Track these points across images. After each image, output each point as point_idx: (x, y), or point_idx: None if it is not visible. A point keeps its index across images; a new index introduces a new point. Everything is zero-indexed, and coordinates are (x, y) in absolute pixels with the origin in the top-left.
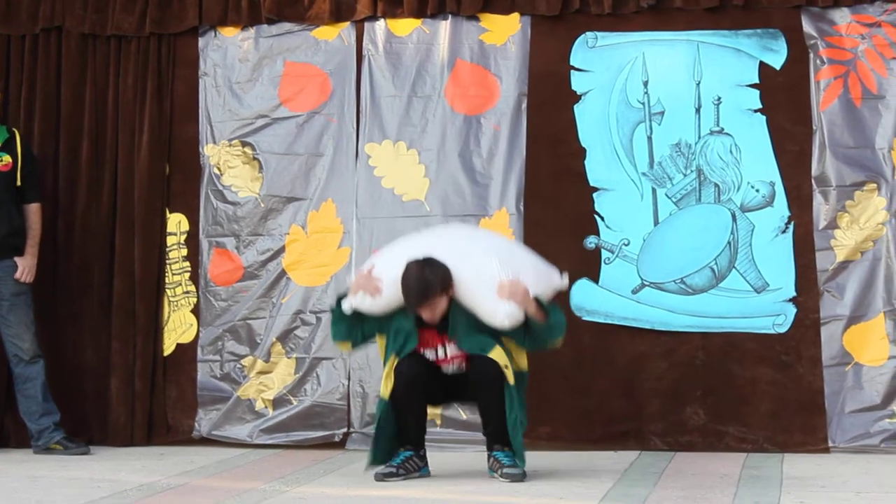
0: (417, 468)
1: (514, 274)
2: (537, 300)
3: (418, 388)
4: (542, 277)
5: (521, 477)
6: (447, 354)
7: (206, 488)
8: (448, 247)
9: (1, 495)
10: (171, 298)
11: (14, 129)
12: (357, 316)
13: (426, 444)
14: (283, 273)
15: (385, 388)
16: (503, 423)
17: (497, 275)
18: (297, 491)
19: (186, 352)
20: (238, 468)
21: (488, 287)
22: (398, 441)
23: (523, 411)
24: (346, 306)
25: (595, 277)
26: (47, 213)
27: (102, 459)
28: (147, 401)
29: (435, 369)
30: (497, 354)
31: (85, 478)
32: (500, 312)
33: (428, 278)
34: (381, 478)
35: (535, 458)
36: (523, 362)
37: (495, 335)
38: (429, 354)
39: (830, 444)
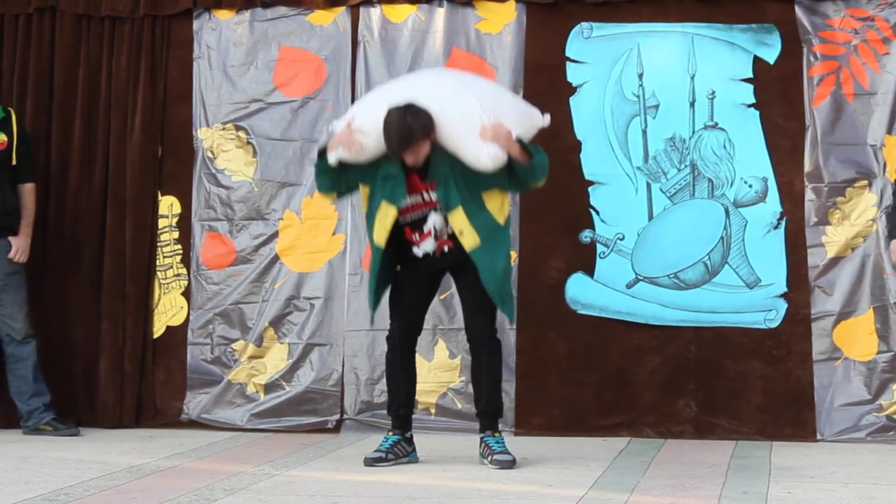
0: (406, 453)
1: (496, 116)
2: (520, 142)
3: (409, 351)
4: (524, 118)
5: (511, 464)
6: (432, 198)
7: (195, 471)
8: (428, 91)
9: None
10: (162, 281)
11: (10, 109)
12: (341, 167)
13: (414, 429)
14: (276, 258)
15: (379, 235)
16: (496, 397)
17: (479, 117)
18: (287, 475)
19: (176, 334)
20: (227, 451)
21: (471, 130)
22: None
23: (508, 260)
24: (332, 159)
25: (590, 271)
26: (38, 193)
27: (91, 441)
28: (136, 383)
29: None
30: (484, 205)
31: (74, 459)
32: (484, 155)
33: (409, 124)
34: (370, 462)
35: (524, 445)
36: (507, 210)
37: (477, 185)
38: (413, 200)
39: (819, 436)
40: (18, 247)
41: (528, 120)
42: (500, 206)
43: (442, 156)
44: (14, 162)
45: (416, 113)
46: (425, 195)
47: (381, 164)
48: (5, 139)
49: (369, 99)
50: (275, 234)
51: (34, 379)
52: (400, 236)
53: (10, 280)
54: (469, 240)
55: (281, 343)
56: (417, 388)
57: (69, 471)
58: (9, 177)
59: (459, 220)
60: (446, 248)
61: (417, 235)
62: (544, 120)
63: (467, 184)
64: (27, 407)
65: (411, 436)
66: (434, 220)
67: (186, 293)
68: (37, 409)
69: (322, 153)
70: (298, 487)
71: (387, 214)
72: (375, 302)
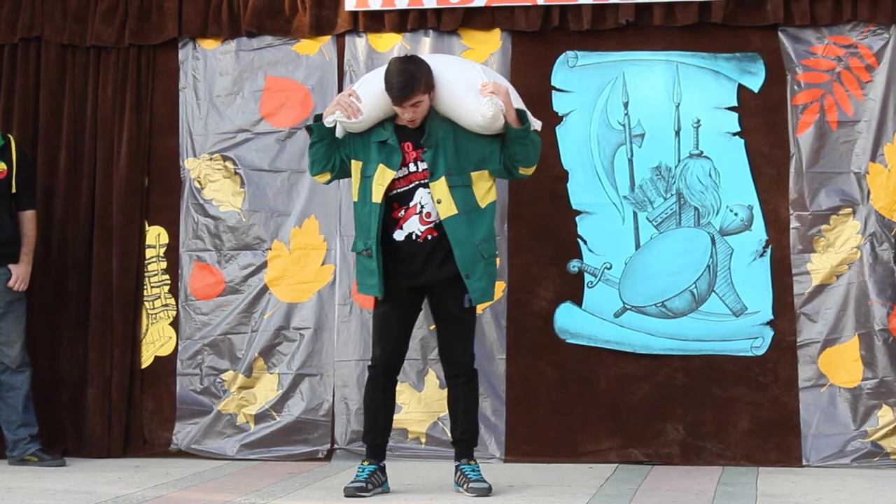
0: (380, 483)
1: (495, 80)
2: (517, 111)
3: (391, 380)
4: (519, 100)
5: (487, 491)
6: (419, 169)
7: (181, 500)
8: (430, 60)
9: None
10: (150, 311)
11: (9, 136)
12: (334, 139)
13: (405, 458)
14: (265, 288)
15: (377, 193)
16: (472, 425)
17: (480, 78)
18: None
19: (165, 364)
20: (214, 481)
21: (471, 88)
22: None
23: (487, 236)
24: (328, 121)
25: (578, 301)
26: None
27: (78, 471)
28: (124, 413)
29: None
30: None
31: (60, 489)
32: (484, 105)
33: (413, 70)
34: (352, 492)
35: (510, 472)
36: (491, 197)
37: (468, 163)
38: (401, 172)
39: (805, 462)
40: (18, 275)
41: (522, 105)
42: (486, 190)
43: (437, 123)
44: (14, 190)
45: (418, 63)
46: (413, 166)
47: (374, 132)
48: (5, 168)
49: (370, 75)
50: (263, 265)
51: (24, 409)
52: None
53: (10, 308)
54: (445, 208)
55: (271, 373)
56: (408, 417)
57: (55, 501)
58: (8, 205)
59: (440, 189)
60: (430, 237)
61: (403, 212)
62: (536, 122)
63: (458, 158)
64: (14, 437)
65: (385, 465)
66: (421, 194)
67: (175, 323)
68: (23, 439)
69: (318, 119)
70: None
71: (384, 175)
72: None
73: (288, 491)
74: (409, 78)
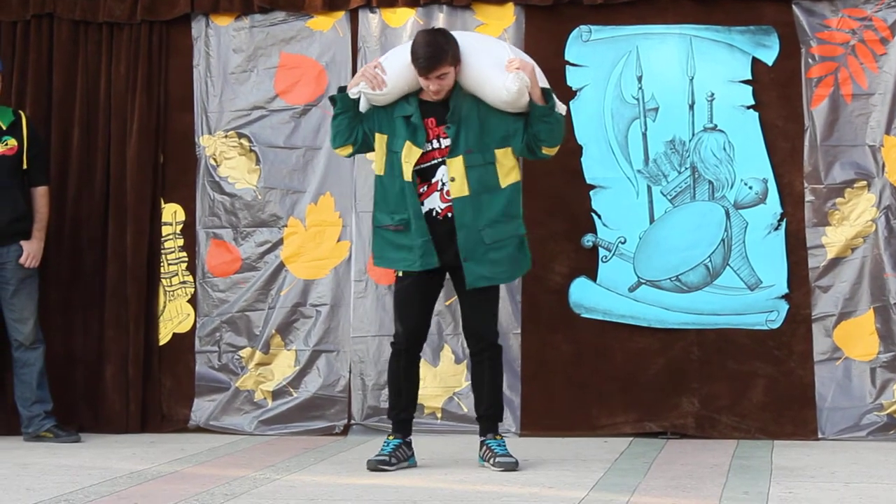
0: (406, 457)
1: (522, 57)
2: (543, 90)
3: (415, 356)
4: (546, 82)
5: (514, 466)
6: (442, 146)
7: (196, 476)
8: (458, 35)
9: None
10: (168, 288)
11: (20, 112)
12: (357, 112)
13: (420, 433)
14: (281, 265)
15: (406, 170)
16: (497, 400)
17: (506, 55)
18: (288, 479)
19: (183, 341)
20: (228, 456)
21: (497, 64)
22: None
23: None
24: (353, 92)
25: (593, 276)
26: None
27: (93, 447)
28: (141, 389)
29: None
30: (495, 156)
31: (75, 465)
32: (510, 80)
33: (440, 42)
34: (374, 466)
35: (525, 446)
36: (514, 176)
37: (492, 140)
38: (426, 147)
39: (820, 436)
40: (30, 252)
41: (547, 85)
42: (509, 169)
43: (462, 99)
44: (25, 166)
45: (446, 35)
46: (436, 142)
47: (398, 106)
48: (15, 143)
49: (396, 49)
50: (280, 242)
51: (38, 386)
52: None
53: (23, 285)
54: (457, 187)
55: (288, 350)
56: (424, 392)
57: (70, 477)
58: (20, 181)
59: (456, 168)
60: (449, 214)
61: (426, 188)
62: (561, 106)
63: (482, 134)
64: (29, 413)
65: (411, 440)
66: (442, 171)
67: (192, 300)
68: (38, 415)
69: (342, 91)
70: (299, 491)
71: (411, 152)
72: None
73: (302, 466)
74: (437, 49)
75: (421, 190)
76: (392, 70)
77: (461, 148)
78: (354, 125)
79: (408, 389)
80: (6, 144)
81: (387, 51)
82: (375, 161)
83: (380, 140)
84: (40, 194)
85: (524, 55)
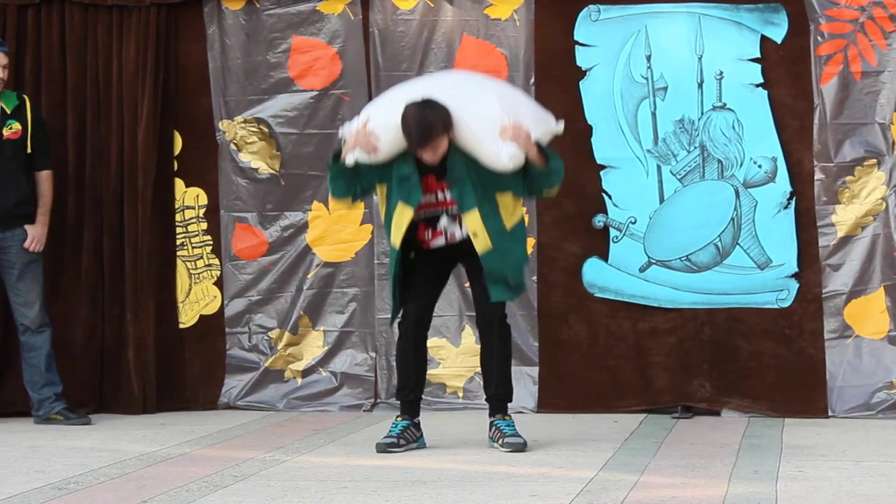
0: (415, 438)
1: (515, 116)
2: (538, 145)
3: (422, 337)
4: (541, 122)
5: (523, 446)
6: (446, 198)
7: (205, 458)
8: (446, 90)
9: (0, 465)
10: (193, 271)
11: (24, 96)
12: (355, 169)
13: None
14: (307, 249)
15: (395, 237)
16: (506, 380)
17: (498, 117)
18: (297, 460)
19: (211, 323)
20: (238, 438)
21: (490, 129)
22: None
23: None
24: (349, 160)
25: (604, 256)
26: (57, 185)
27: (103, 429)
28: (163, 371)
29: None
30: (497, 205)
31: (85, 447)
32: (504, 154)
33: (429, 118)
34: (383, 448)
35: (535, 426)
36: (520, 212)
37: (492, 187)
38: (427, 199)
39: (830, 414)
40: (34, 236)
41: (544, 125)
42: (512, 210)
43: (458, 155)
44: (29, 150)
45: (434, 107)
46: (439, 195)
47: (396, 164)
48: (19, 127)
49: (383, 99)
50: (305, 225)
51: (47, 368)
52: (413, 233)
53: (28, 269)
54: (481, 243)
55: (316, 331)
56: (446, 372)
57: (79, 459)
58: (24, 165)
59: (474, 222)
60: (456, 239)
61: (430, 233)
62: (558, 126)
63: (483, 185)
64: (38, 396)
65: (419, 421)
66: (444, 221)
67: (219, 283)
68: (48, 398)
69: (336, 157)
70: (308, 473)
71: (402, 215)
72: (396, 308)
73: (312, 447)
74: (426, 124)
75: (425, 236)
76: (385, 134)
77: (471, 202)
78: (352, 184)
79: (416, 370)
80: (10, 128)
81: (397, 34)
82: (379, 207)
83: (381, 189)
84: (44, 178)
85: (516, 95)
